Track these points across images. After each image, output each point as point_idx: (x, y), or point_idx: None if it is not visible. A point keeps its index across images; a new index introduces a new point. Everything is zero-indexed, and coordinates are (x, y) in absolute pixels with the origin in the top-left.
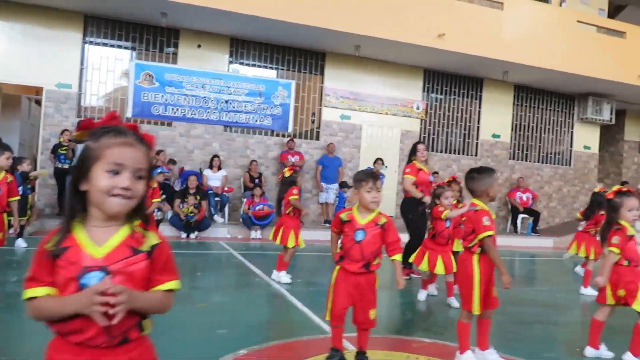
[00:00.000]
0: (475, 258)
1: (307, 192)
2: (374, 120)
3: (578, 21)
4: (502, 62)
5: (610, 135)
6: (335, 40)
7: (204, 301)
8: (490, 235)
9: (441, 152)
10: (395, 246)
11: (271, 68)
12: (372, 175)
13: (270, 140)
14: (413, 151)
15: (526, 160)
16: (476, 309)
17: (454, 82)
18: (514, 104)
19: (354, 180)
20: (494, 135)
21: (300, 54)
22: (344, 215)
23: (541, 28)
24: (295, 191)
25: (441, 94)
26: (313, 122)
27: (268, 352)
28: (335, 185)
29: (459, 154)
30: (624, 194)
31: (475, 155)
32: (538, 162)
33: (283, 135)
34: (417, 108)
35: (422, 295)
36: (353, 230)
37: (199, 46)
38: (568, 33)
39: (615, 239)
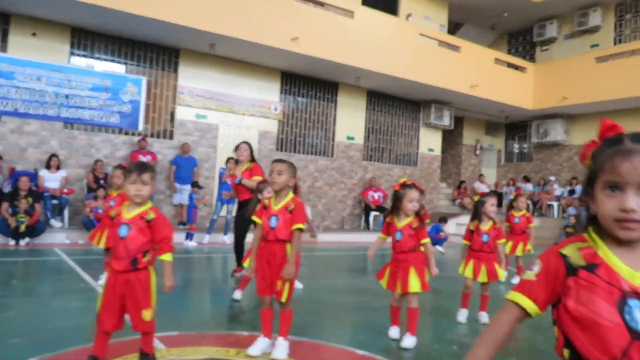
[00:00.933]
0: None
1: (160, 194)
2: (231, 120)
3: (420, 34)
4: (354, 68)
5: (451, 139)
6: (189, 37)
7: (10, 310)
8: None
9: (299, 153)
10: (162, 245)
11: (119, 62)
12: (138, 167)
13: (118, 138)
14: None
15: (378, 161)
16: None
17: (310, 85)
18: (367, 108)
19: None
20: (349, 137)
21: (152, 50)
22: (113, 213)
23: (389, 38)
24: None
25: (299, 96)
26: (171, 121)
27: (63, 357)
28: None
29: (316, 155)
30: (407, 186)
31: (332, 156)
32: (389, 163)
33: (133, 134)
34: (275, 109)
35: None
36: (117, 226)
37: (34, 34)
38: (412, 44)
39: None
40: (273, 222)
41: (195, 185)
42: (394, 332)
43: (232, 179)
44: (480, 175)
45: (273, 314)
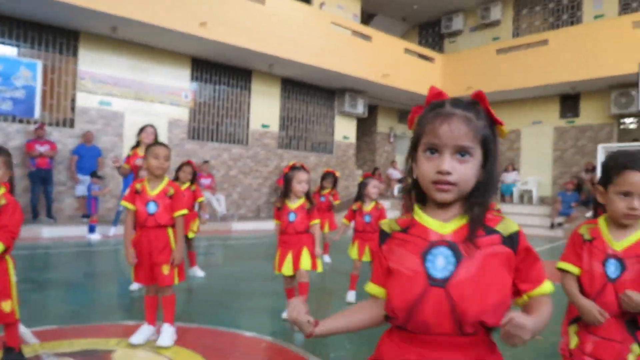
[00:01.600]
0: None
1: (61, 185)
2: (138, 107)
3: (333, 23)
4: (267, 56)
5: (365, 127)
6: (89, 19)
7: None
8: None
9: (212, 141)
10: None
11: (11, 45)
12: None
13: (12, 127)
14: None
15: (294, 149)
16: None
17: (223, 72)
18: (281, 96)
19: None
20: (264, 125)
21: (49, 32)
22: None
23: (302, 26)
24: None
25: (211, 83)
26: (72, 108)
27: None
28: None
29: (230, 142)
30: (296, 168)
31: (247, 145)
32: (305, 150)
33: (29, 122)
34: (186, 97)
35: None
36: None
37: None
38: (325, 33)
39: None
40: (152, 208)
41: (94, 175)
42: (286, 314)
43: (133, 159)
44: (393, 162)
45: (158, 302)
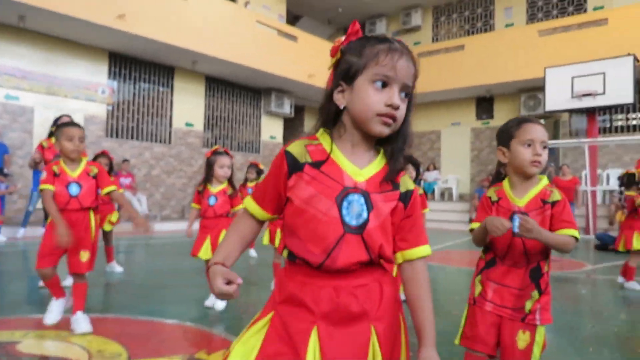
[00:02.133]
0: None
1: None
2: (50, 102)
3: (258, 21)
4: (190, 52)
5: (293, 127)
6: None
7: None
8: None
9: (132, 139)
10: None
11: None
12: None
13: None
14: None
15: None
16: None
17: (143, 68)
18: (206, 94)
19: None
20: (188, 124)
21: None
22: None
23: (226, 23)
24: None
25: (130, 79)
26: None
27: None
28: None
29: (151, 141)
30: (219, 153)
31: (169, 143)
32: (231, 150)
33: None
34: (103, 92)
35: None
36: None
37: None
38: (251, 32)
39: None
40: (74, 189)
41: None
42: (209, 301)
43: (50, 153)
44: None
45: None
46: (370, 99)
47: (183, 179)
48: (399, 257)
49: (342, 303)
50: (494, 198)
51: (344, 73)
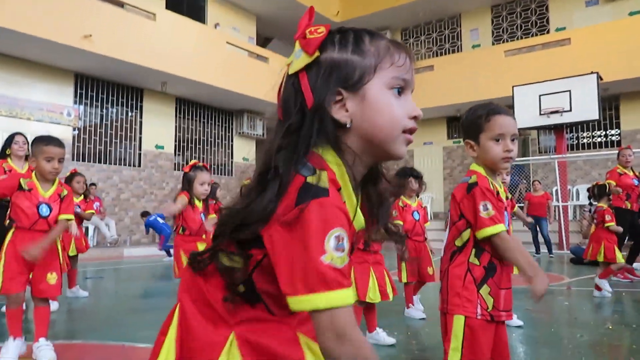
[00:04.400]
0: None
1: None
2: (12, 125)
3: (228, 42)
4: (159, 72)
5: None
6: None
7: None
8: None
9: (100, 162)
10: None
11: None
12: None
13: None
14: None
15: None
16: None
17: (111, 89)
18: (176, 116)
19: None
20: (158, 147)
21: None
22: None
23: (195, 44)
24: None
25: (97, 101)
26: None
27: None
28: None
29: (120, 164)
30: (198, 168)
31: (139, 166)
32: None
33: None
34: (69, 115)
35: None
36: None
37: None
38: (221, 53)
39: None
40: (44, 210)
41: None
42: None
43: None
44: None
45: (22, 314)
46: (396, 110)
47: (154, 202)
48: None
49: None
50: (494, 189)
51: (345, 77)
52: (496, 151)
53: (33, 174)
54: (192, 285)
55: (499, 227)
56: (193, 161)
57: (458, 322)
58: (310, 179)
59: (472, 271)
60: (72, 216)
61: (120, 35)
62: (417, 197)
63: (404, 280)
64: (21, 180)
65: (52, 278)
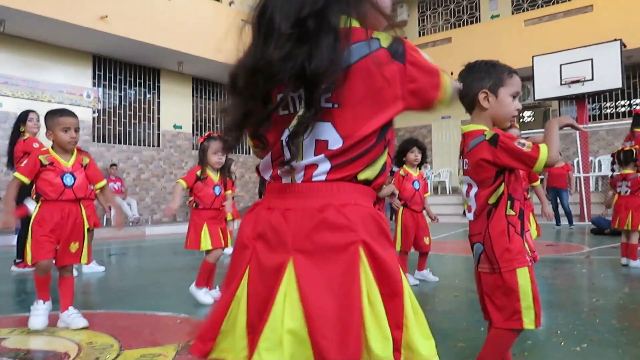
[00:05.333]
0: None
1: None
2: (34, 108)
3: (243, 20)
4: (175, 52)
5: None
6: None
7: None
8: None
9: (120, 143)
10: None
11: None
12: None
13: None
14: None
15: None
16: None
17: (129, 70)
18: (193, 95)
19: None
20: (176, 126)
21: None
22: None
23: (210, 23)
24: None
25: (115, 82)
26: None
27: None
28: None
29: (140, 145)
30: (212, 138)
31: (158, 146)
32: None
33: None
34: (88, 96)
35: None
36: None
37: None
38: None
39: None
40: (69, 180)
41: None
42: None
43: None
44: None
45: (50, 282)
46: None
47: (173, 182)
48: None
49: None
50: None
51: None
52: (511, 107)
53: (50, 147)
54: None
55: (543, 149)
56: (207, 132)
57: (523, 276)
58: None
59: (512, 222)
60: (104, 182)
61: (135, 15)
62: (419, 168)
63: (397, 249)
64: (40, 157)
65: (73, 247)
